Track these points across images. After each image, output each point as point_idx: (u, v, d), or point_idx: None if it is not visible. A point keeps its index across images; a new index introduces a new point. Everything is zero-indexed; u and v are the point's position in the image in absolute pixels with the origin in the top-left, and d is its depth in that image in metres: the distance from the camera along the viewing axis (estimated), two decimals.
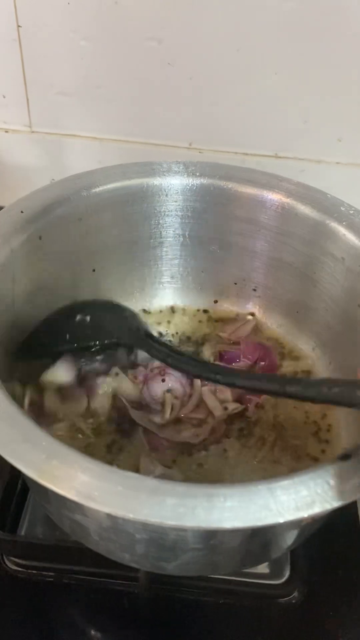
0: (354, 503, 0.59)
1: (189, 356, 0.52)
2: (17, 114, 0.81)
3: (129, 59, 0.74)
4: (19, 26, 0.73)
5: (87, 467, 0.32)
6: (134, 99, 0.78)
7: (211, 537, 0.37)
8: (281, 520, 0.30)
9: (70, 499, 0.30)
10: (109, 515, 0.35)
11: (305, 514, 0.30)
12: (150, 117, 0.80)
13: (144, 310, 0.60)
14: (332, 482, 0.32)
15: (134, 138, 0.82)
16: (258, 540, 0.38)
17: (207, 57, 0.72)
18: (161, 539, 0.37)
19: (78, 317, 0.52)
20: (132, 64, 0.75)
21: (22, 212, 0.48)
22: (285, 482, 0.31)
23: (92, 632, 0.50)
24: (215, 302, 0.61)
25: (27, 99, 0.80)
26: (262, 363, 0.56)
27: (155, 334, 0.58)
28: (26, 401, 0.49)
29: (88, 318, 0.52)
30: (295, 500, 0.31)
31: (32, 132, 0.83)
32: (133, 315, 0.57)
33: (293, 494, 0.31)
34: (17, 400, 0.39)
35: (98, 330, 0.52)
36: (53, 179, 0.90)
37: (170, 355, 0.51)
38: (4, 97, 0.80)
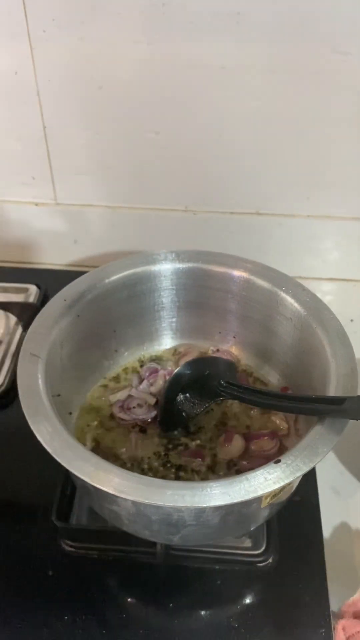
0: (315, 492, 0.76)
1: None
2: (44, 191, 0.98)
3: (134, 146, 0.90)
4: (44, 127, 0.90)
5: (119, 474, 0.50)
6: (138, 175, 0.94)
7: (199, 516, 0.54)
8: (260, 493, 0.48)
9: (109, 492, 0.49)
10: (133, 503, 0.54)
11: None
12: (152, 188, 0.96)
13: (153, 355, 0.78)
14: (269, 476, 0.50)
15: (139, 205, 0.98)
16: (232, 517, 0.57)
17: (195, 142, 0.88)
18: (168, 519, 0.55)
19: (180, 397, 0.65)
20: (136, 150, 0.91)
21: (65, 300, 0.64)
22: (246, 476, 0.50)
23: (124, 594, 0.64)
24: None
25: (53, 179, 0.97)
26: None
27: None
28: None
29: (188, 395, 0.65)
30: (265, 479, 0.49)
31: (57, 204, 0.99)
32: (221, 370, 0.68)
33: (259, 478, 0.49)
34: None
35: (199, 399, 0.65)
36: (76, 241, 1.07)
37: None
38: (34, 178, 0.96)
